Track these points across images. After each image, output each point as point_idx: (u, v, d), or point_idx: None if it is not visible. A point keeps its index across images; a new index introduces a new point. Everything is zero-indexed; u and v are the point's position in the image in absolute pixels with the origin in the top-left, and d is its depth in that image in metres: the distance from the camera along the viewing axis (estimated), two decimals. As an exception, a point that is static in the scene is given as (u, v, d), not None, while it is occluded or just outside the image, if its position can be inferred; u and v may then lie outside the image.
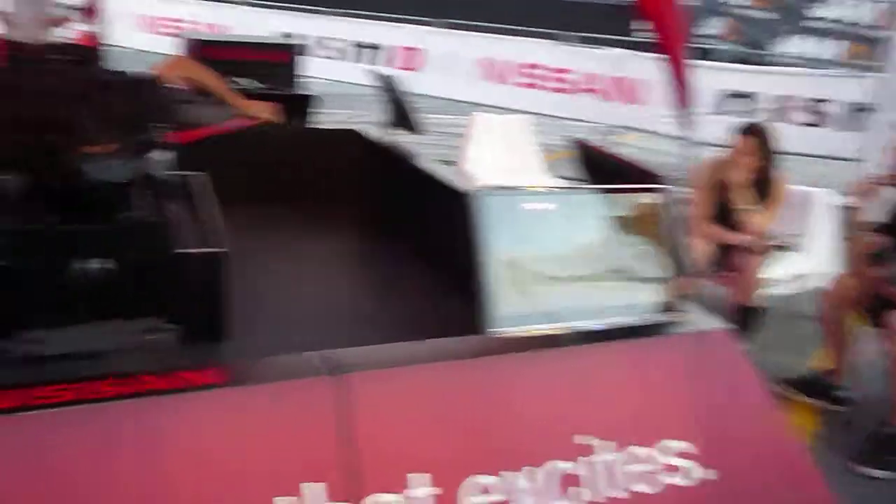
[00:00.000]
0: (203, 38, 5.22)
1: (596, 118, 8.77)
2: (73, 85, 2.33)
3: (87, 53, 2.66)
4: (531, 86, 10.16)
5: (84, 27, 6.08)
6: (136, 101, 2.51)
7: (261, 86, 4.47)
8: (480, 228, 1.92)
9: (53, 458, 1.54)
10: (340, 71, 10.78)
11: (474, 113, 6.61)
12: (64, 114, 2.25)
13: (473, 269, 1.91)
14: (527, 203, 2.08)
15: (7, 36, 2.70)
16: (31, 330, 1.91)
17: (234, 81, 3.78)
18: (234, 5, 13.09)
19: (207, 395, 1.67)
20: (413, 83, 4.76)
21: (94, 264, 2.48)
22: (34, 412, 1.55)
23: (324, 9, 12.25)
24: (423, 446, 1.78)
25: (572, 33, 10.31)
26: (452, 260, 3.03)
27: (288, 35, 9.83)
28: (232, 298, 2.92)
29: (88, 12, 5.94)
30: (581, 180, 3.11)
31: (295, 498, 1.65)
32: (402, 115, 4.03)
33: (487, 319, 1.88)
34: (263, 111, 3.08)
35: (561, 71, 9.95)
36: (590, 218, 2.19)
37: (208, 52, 4.85)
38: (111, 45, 4.81)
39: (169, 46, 6.27)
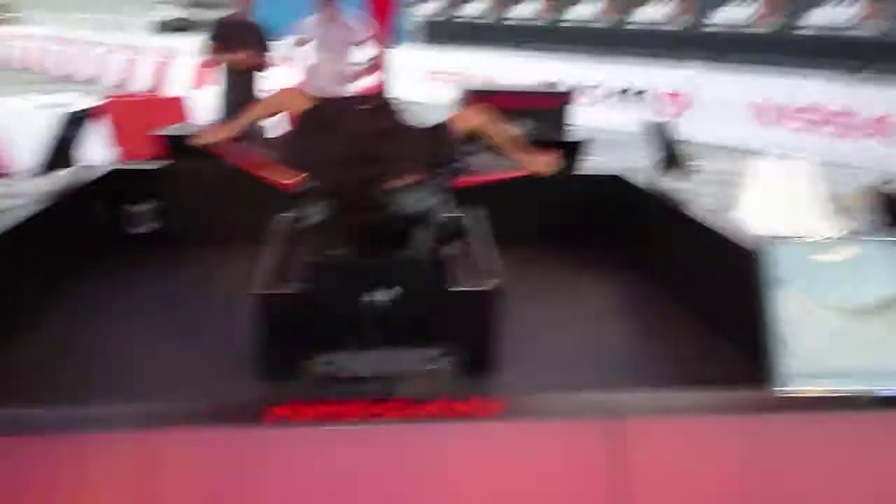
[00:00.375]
0: (478, 89, 5.50)
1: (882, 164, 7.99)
2: (378, 127, 2.58)
3: (382, 103, 2.93)
4: (809, 129, 9.50)
5: (371, 81, 6.71)
6: (430, 143, 2.72)
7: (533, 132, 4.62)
8: (766, 280, 1.82)
9: (343, 469, 1.68)
10: (604, 116, 10.80)
11: (752, 158, 6.32)
12: (373, 150, 2.50)
13: (757, 322, 1.82)
14: (817, 254, 1.95)
15: (311, 87, 3.08)
16: (328, 352, 2.10)
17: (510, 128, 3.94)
18: (502, 54, 13.66)
19: (485, 426, 1.74)
20: (680, 127, 4.66)
21: (383, 295, 2.71)
22: (332, 427, 1.70)
23: (589, 53, 12.39)
24: None
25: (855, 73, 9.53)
26: (727, 310, 2.90)
27: (554, 83, 10.07)
28: (504, 334, 3.03)
29: (375, 68, 6.56)
30: (876, 229, 2.86)
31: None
32: (671, 161, 3.97)
33: (774, 375, 1.77)
34: (541, 165, 3.15)
35: (843, 113, 9.22)
36: (888, 269, 2.00)
37: (482, 101, 5.12)
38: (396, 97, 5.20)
39: (446, 96, 6.66)
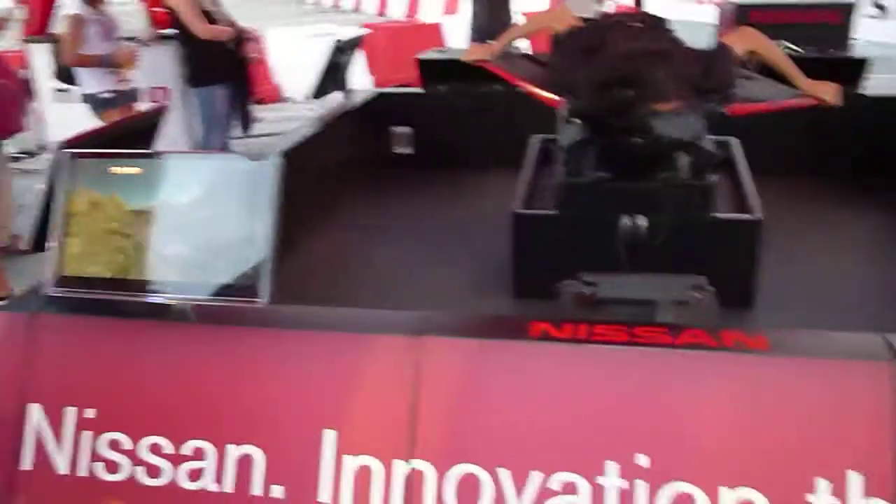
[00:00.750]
0: (750, 3, 5.09)
1: None
2: (646, 47, 2.48)
3: (655, 21, 2.80)
4: None
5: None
6: (706, 67, 2.58)
7: (802, 50, 4.21)
8: None
9: (600, 388, 1.68)
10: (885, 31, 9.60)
11: None
12: (640, 71, 2.41)
13: None
14: None
15: (570, 5, 3.00)
16: (587, 274, 2.09)
17: (786, 46, 3.62)
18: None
19: (751, 359, 1.65)
20: None
21: (641, 219, 2.65)
22: (593, 346, 1.70)
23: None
24: None
25: None
26: None
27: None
28: (763, 266, 2.86)
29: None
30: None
31: (832, 484, 1.56)
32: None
33: None
34: (827, 93, 2.81)
35: None
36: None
37: (756, 16, 4.75)
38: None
39: (711, 16, 6.25)
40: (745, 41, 2.79)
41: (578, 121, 2.71)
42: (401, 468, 1.69)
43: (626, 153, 2.60)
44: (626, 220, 2.67)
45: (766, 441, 1.60)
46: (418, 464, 1.69)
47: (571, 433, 1.66)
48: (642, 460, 1.62)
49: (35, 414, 1.86)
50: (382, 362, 1.75)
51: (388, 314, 1.86)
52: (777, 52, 2.86)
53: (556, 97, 2.78)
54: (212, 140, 5.37)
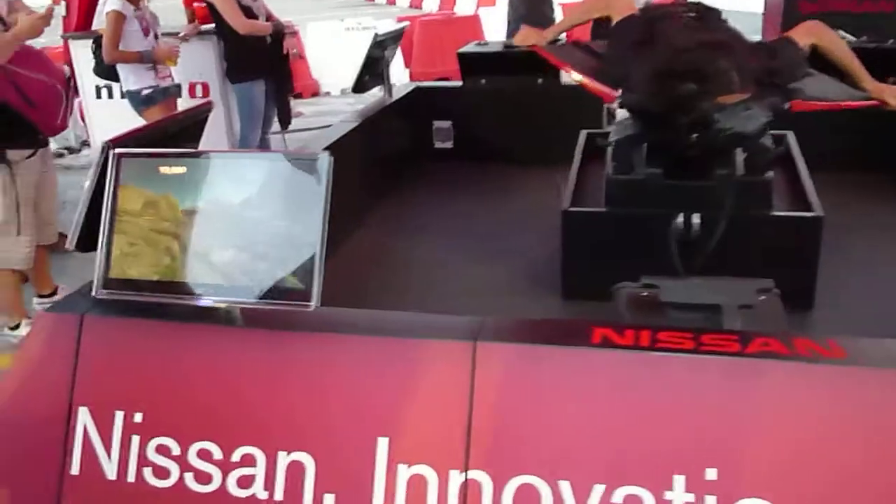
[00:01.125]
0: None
1: None
2: (705, 38, 2.39)
3: (709, 12, 2.70)
4: None
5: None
6: (769, 60, 2.48)
7: (855, 38, 4.07)
8: None
9: (661, 397, 1.61)
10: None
11: None
12: (699, 63, 2.32)
13: None
14: None
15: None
16: (643, 275, 2.02)
17: (842, 36, 3.49)
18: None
19: (827, 369, 1.57)
20: None
21: (696, 218, 2.55)
22: (658, 354, 1.62)
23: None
24: None
25: None
26: None
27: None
28: (821, 266, 2.75)
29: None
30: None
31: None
32: None
33: None
34: (893, 97, 2.68)
35: None
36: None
37: (806, 6, 4.61)
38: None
39: (758, 5, 6.08)
40: (811, 35, 2.67)
41: (630, 114, 2.63)
42: (456, 478, 1.63)
43: (681, 149, 2.51)
44: (680, 219, 2.58)
45: (843, 457, 1.52)
46: (475, 474, 1.63)
47: (636, 445, 1.58)
48: (712, 474, 1.54)
49: (83, 417, 1.83)
50: (438, 368, 1.69)
51: (442, 318, 1.80)
52: (843, 48, 2.73)
53: (610, 89, 2.69)
54: (251, 135, 5.35)
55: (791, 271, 2.63)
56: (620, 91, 2.59)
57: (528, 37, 3.28)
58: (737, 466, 1.54)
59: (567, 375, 1.64)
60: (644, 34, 2.58)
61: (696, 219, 2.57)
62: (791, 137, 3.40)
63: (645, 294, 1.93)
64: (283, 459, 1.72)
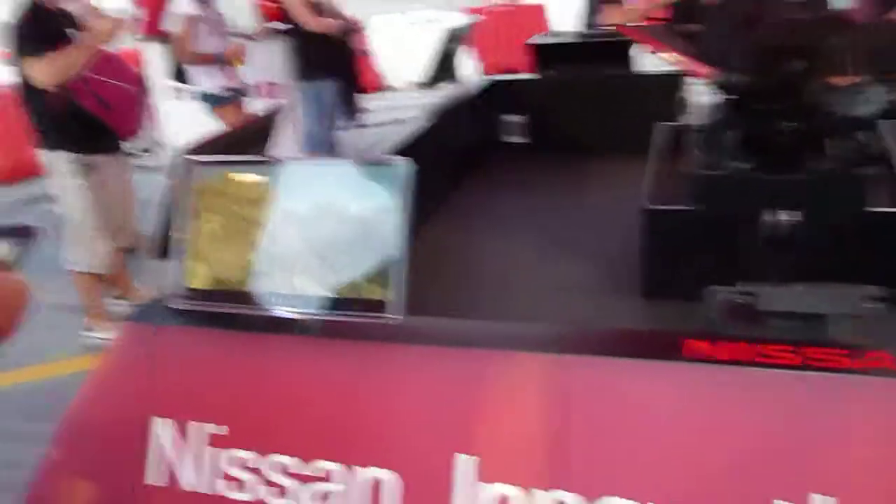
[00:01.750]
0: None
1: None
2: (818, 14, 2.22)
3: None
4: None
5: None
6: (884, 41, 2.30)
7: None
8: None
9: (782, 418, 1.50)
10: None
11: None
12: (810, 41, 2.16)
13: None
14: None
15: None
16: (737, 280, 1.89)
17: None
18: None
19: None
20: None
21: (790, 216, 2.41)
22: (759, 370, 1.51)
23: None
24: None
25: None
26: None
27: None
28: None
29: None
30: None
31: None
32: None
33: None
34: None
35: None
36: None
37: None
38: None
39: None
40: None
41: (727, 98, 2.46)
42: (542, 499, 1.55)
43: (780, 137, 2.33)
44: (771, 217, 2.43)
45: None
46: (561, 495, 1.55)
47: (735, 467, 1.48)
48: (819, 501, 1.43)
49: (160, 427, 1.82)
50: (522, 382, 1.61)
51: (526, 328, 1.72)
52: None
53: (705, 69, 2.51)
54: (319, 134, 5.36)
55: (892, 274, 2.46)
56: (717, 71, 2.42)
57: (613, 15, 3.14)
58: (848, 493, 1.42)
59: (659, 391, 1.55)
60: (749, 8, 2.40)
61: (790, 217, 2.42)
62: (887, 126, 3.20)
63: (741, 301, 1.81)
64: (363, 475, 1.67)
